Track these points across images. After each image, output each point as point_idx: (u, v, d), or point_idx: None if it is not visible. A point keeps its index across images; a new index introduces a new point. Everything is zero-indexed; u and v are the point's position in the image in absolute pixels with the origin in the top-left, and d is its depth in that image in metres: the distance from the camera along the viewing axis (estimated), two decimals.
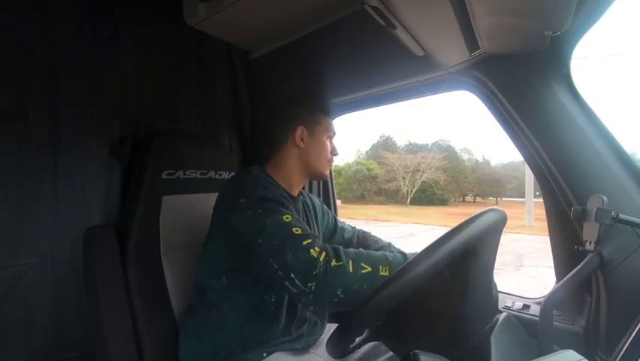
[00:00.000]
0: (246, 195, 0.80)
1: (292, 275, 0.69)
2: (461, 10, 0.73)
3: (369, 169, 25.42)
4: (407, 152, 27.15)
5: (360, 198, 24.50)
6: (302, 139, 0.94)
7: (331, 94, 1.37)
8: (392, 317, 0.61)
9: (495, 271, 0.67)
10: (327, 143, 0.98)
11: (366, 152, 32.15)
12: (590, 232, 0.79)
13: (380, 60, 1.04)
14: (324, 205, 1.17)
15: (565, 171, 0.86)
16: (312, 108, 0.97)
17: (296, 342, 0.89)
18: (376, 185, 25.49)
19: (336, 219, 1.18)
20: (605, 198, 0.75)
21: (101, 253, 0.94)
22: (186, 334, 0.89)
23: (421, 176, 22.88)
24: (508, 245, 8.16)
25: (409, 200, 23.03)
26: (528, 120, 0.90)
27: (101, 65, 1.09)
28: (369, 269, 0.68)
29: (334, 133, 1.00)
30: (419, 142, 30.11)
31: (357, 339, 0.64)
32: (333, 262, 0.68)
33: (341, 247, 0.73)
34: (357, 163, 26.64)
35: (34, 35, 0.98)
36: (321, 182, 1.57)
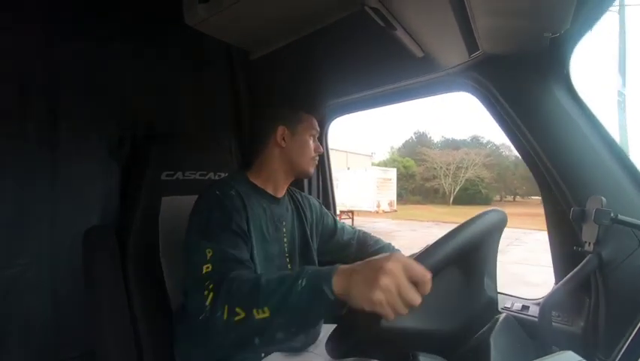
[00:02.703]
0: (195, 213, 0.81)
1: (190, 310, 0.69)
2: (461, 12, 0.73)
3: (405, 167, 23.84)
4: (443, 148, 25.47)
5: (397, 198, 23.01)
6: (284, 138, 0.94)
7: (331, 95, 1.37)
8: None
9: None
10: (310, 141, 0.97)
11: (398, 149, 31.10)
12: (589, 233, 0.79)
13: (380, 61, 1.04)
14: (324, 207, 1.17)
15: (564, 172, 0.87)
16: (294, 107, 0.98)
17: (294, 342, 0.89)
18: (414, 183, 23.95)
19: (335, 221, 1.18)
20: (604, 199, 0.76)
21: (100, 254, 0.94)
22: (179, 336, 0.90)
23: (464, 173, 21.36)
24: None
25: (452, 199, 21.58)
26: (527, 121, 0.91)
27: (101, 65, 1.09)
28: (242, 315, 0.59)
29: (317, 131, 1.00)
30: (457, 138, 28.51)
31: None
32: (214, 307, 0.62)
33: (239, 277, 0.65)
34: (393, 161, 25.00)
35: (33, 35, 0.98)
36: (320, 184, 1.57)
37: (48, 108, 1.00)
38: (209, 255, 0.71)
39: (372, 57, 1.02)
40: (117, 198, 1.11)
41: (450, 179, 21.69)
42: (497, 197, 22.95)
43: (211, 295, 0.64)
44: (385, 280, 0.48)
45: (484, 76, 0.97)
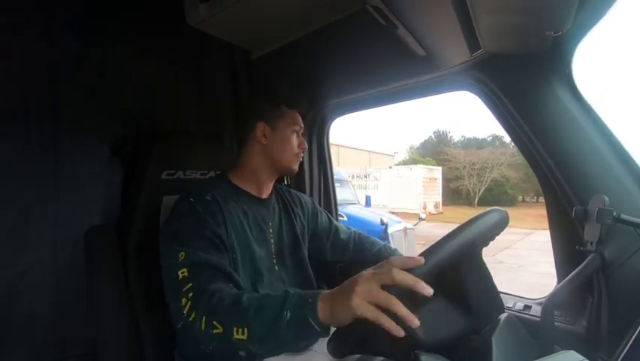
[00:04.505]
0: (168, 222, 0.81)
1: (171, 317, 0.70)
2: (462, 10, 0.73)
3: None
4: (465, 147, 24.62)
5: None
6: (264, 135, 0.92)
7: (332, 94, 1.37)
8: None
9: None
10: (293, 137, 0.95)
11: (417, 148, 30.65)
12: (591, 233, 0.79)
13: (381, 60, 1.04)
14: (317, 205, 1.16)
15: (566, 172, 0.86)
16: (274, 102, 0.95)
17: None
18: None
19: (331, 220, 1.16)
20: (606, 198, 0.75)
21: (101, 254, 0.94)
22: (180, 335, 0.89)
23: (489, 173, 20.39)
24: None
25: (476, 200, 20.55)
26: (529, 120, 0.90)
27: (102, 65, 1.09)
28: (220, 330, 0.60)
29: (301, 127, 0.97)
30: (478, 137, 27.80)
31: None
32: (192, 317, 0.64)
33: (221, 291, 0.66)
34: (414, 160, 23.93)
35: (36, 35, 0.98)
36: (322, 184, 1.56)
37: (50, 108, 1.00)
38: (181, 257, 0.72)
39: (373, 56, 1.02)
40: (119, 198, 1.11)
41: (475, 179, 20.85)
42: (520, 198, 22.07)
43: (189, 303, 0.65)
44: (360, 288, 0.52)
45: (486, 75, 0.97)
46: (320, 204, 1.46)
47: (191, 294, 0.66)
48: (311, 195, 1.49)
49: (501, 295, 1.02)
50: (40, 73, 0.99)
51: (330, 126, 1.55)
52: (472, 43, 0.86)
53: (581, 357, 0.48)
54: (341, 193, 5.61)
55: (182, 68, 1.29)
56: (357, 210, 5.22)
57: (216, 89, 1.40)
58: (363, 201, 6.15)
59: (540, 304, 0.96)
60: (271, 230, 0.95)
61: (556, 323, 0.84)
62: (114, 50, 1.11)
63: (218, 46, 1.35)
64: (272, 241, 0.94)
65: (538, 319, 0.81)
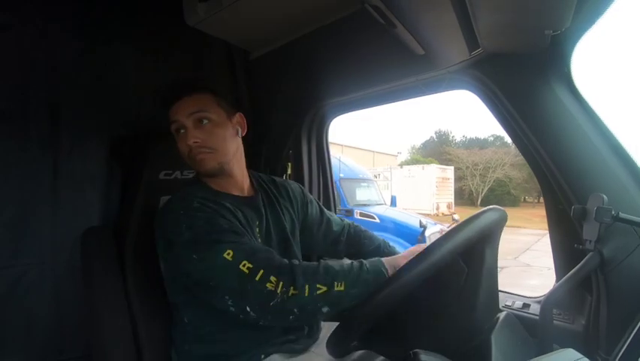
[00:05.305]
0: (173, 240, 0.76)
1: (248, 309, 0.70)
2: (461, 9, 0.73)
3: None
4: (467, 147, 24.69)
5: None
6: None
7: (331, 93, 1.37)
8: (390, 318, 0.61)
9: None
10: (178, 136, 0.89)
11: (418, 148, 30.86)
12: (590, 231, 0.79)
13: (380, 59, 1.04)
14: (308, 194, 1.11)
15: (565, 170, 0.86)
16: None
17: (295, 343, 0.88)
18: None
19: (322, 210, 1.11)
20: (605, 197, 0.75)
21: (98, 255, 0.94)
22: (178, 336, 0.88)
23: (491, 173, 20.27)
24: None
25: (479, 200, 20.35)
26: (528, 119, 0.90)
27: (101, 65, 1.09)
28: (325, 289, 0.69)
29: (176, 122, 0.87)
30: (480, 137, 28.06)
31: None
32: (291, 291, 0.68)
33: (297, 263, 0.72)
34: (416, 161, 23.77)
35: (35, 36, 0.98)
36: (320, 183, 1.56)
37: (49, 109, 1.01)
38: (229, 256, 0.71)
39: (372, 55, 1.02)
40: (118, 198, 1.11)
41: (477, 179, 20.76)
42: (521, 198, 21.88)
43: (281, 283, 0.69)
44: None
45: (484, 74, 0.97)
46: None
47: (273, 278, 0.69)
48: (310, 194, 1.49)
49: (500, 293, 1.03)
50: (39, 73, 0.99)
51: (329, 125, 1.55)
52: (471, 42, 0.86)
53: (580, 355, 0.48)
54: (367, 194, 5.47)
55: (181, 68, 1.29)
56: (385, 211, 5.13)
57: (216, 89, 1.40)
58: (387, 201, 6.03)
59: (539, 302, 0.97)
60: (257, 229, 0.90)
61: (555, 321, 0.84)
62: (114, 50, 1.11)
63: (217, 46, 1.35)
64: (259, 242, 0.88)
65: (537, 317, 0.82)
